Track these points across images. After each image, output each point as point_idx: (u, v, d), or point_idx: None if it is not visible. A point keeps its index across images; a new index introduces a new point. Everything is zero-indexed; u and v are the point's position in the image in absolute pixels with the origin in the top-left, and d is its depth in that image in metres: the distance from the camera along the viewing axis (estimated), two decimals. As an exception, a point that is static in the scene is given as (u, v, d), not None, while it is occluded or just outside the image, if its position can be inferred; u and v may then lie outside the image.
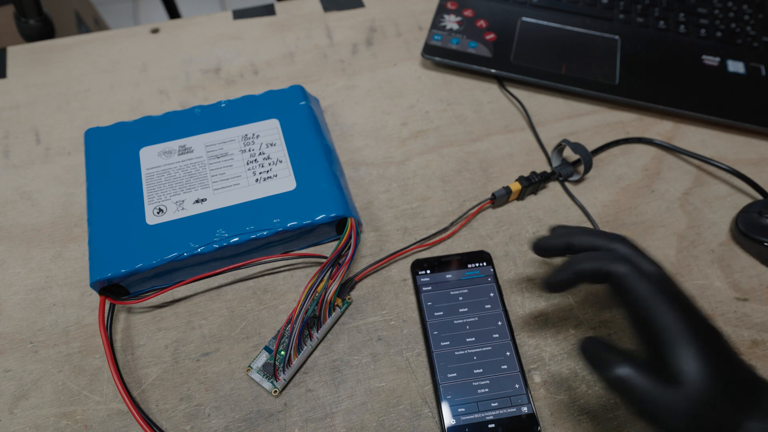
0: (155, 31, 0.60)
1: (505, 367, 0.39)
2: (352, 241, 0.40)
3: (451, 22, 0.58)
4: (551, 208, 0.48)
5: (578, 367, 0.40)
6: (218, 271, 0.41)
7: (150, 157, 0.44)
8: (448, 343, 0.40)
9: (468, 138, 0.52)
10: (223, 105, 0.47)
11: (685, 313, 0.29)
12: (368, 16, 0.62)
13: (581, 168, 0.48)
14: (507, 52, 0.56)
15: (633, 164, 0.51)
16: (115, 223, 0.41)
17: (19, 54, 0.58)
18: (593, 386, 0.39)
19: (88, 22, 1.12)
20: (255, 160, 0.44)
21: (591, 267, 0.32)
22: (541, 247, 0.36)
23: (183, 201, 0.42)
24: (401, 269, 0.44)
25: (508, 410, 0.37)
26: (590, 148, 0.51)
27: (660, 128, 0.54)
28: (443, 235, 0.46)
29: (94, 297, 0.42)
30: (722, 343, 0.29)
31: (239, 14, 0.62)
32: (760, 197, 0.48)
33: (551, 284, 0.34)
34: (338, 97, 0.55)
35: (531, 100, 0.55)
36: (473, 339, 0.40)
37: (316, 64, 0.57)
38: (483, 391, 0.38)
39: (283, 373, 0.38)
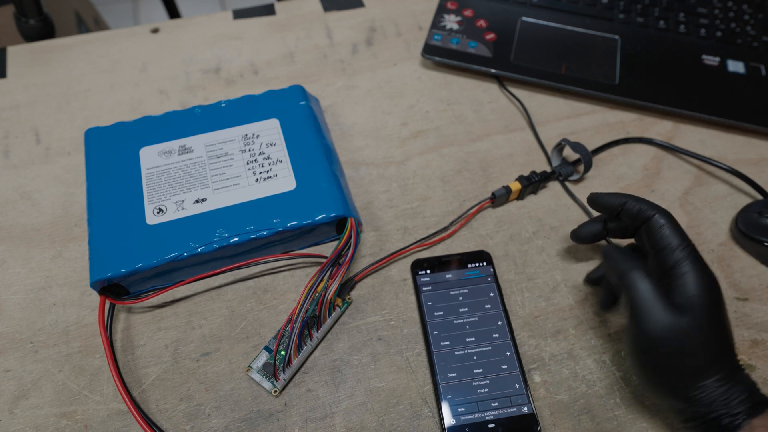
0: (155, 31, 0.60)
1: (505, 367, 0.39)
2: (352, 241, 0.40)
3: (451, 22, 0.58)
4: (551, 207, 0.48)
5: (578, 367, 0.40)
6: (218, 271, 0.41)
7: (150, 157, 0.44)
8: (448, 343, 0.40)
9: (468, 138, 0.52)
10: (223, 105, 0.47)
11: (708, 273, 0.33)
12: (368, 16, 0.62)
13: (581, 167, 0.48)
14: (507, 51, 0.56)
15: (633, 164, 0.51)
16: (115, 223, 0.41)
17: (19, 54, 0.58)
18: (593, 386, 0.39)
19: (88, 22, 1.12)
20: (255, 160, 0.44)
21: (639, 205, 0.37)
22: (597, 201, 0.40)
23: (183, 201, 0.42)
24: (401, 269, 0.44)
25: (508, 410, 0.37)
26: (590, 147, 0.51)
27: (660, 128, 0.54)
28: (443, 235, 0.46)
29: (94, 297, 0.42)
30: (724, 317, 0.33)
31: (239, 14, 0.62)
32: (760, 197, 0.48)
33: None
34: (338, 97, 0.55)
35: (531, 99, 0.55)
36: (473, 339, 0.40)
37: (316, 64, 0.57)
38: (483, 391, 0.38)
39: (283, 373, 0.38)
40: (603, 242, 0.43)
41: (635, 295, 0.33)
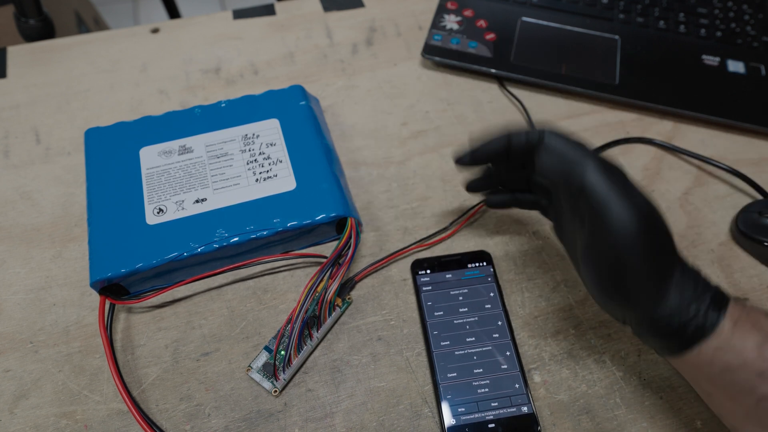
0: (155, 31, 0.60)
1: (505, 367, 0.39)
2: (352, 241, 0.40)
3: (451, 22, 0.58)
4: (551, 208, 0.48)
5: (578, 367, 0.40)
6: (218, 270, 0.41)
7: (150, 157, 0.44)
8: (448, 343, 0.40)
9: (468, 138, 0.52)
10: (223, 105, 0.47)
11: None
12: (368, 16, 0.62)
13: (581, 168, 0.48)
14: (507, 51, 0.56)
15: (633, 164, 0.51)
16: (115, 223, 0.41)
17: (19, 54, 0.58)
18: (593, 386, 0.39)
19: (88, 22, 1.12)
20: (255, 160, 0.44)
21: (521, 135, 0.34)
22: (479, 154, 0.38)
23: (183, 201, 0.42)
24: (401, 269, 0.44)
25: (508, 410, 0.37)
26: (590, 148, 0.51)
27: (660, 128, 0.54)
28: (443, 235, 0.46)
29: (94, 297, 0.42)
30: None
31: (239, 14, 0.62)
32: (760, 197, 0.48)
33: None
34: (338, 97, 0.55)
35: (531, 99, 0.55)
36: (473, 339, 0.40)
37: (316, 64, 0.57)
38: (483, 390, 0.38)
39: (283, 372, 0.38)
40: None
41: (600, 192, 0.30)
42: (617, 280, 0.31)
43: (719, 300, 0.30)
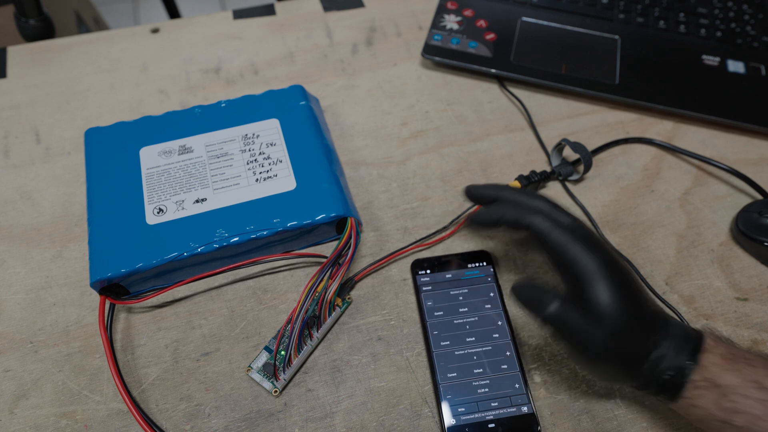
0: (155, 31, 0.60)
1: (505, 367, 0.39)
2: (352, 240, 0.40)
3: (451, 21, 0.58)
4: (551, 208, 0.48)
5: (579, 366, 0.40)
6: (218, 270, 0.41)
7: (150, 156, 0.44)
8: (448, 343, 0.40)
9: (468, 138, 0.52)
10: (223, 105, 0.47)
11: (598, 255, 0.33)
12: (368, 16, 0.62)
13: (581, 167, 0.48)
14: (507, 52, 0.56)
15: (633, 164, 0.51)
16: (115, 223, 0.41)
17: (19, 54, 0.58)
18: (593, 386, 0.39)
19: (88, 22, 1.12)
20: (255, 160, 0.44)
21: (512, 216, 0.36)
22: (473, 193, 0.40)
23: (183, 201, 0.42)
24: (401, 269, 0.44)
25: (508, 410, 0.37)
26: (590, 147, 0.51)
27: (660, 128, 0.54)
28: (443, 235, 0.46)
29: (94, 297, 0.42)
30: (631, 279, 0.34)
31: (239, 14, 0.62)
32: (760, 197, 0.48)
33: (475, 220, 0.37)
34: (338, 97, 0.55)
35: (531, 99, 0.55)
36: (473, 339, 0.40)
37: (316, 64, 0.57)
38: (483, 391, 0.38)
39: (284, 373, 0.38)
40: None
41: (564, 333, 0.33)
42: (601, 374, 0.36)
43: (691, 349, 0.32)
